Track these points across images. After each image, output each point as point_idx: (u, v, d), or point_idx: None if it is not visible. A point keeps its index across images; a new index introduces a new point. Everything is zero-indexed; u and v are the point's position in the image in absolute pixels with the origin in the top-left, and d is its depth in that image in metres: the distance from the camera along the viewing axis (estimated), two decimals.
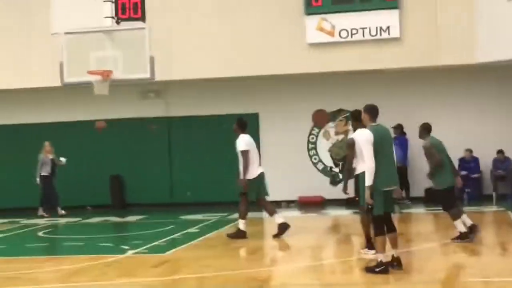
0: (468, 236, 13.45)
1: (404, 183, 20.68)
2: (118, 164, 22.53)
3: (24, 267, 12.57)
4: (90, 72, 17.67)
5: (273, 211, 15.26)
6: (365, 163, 10.76)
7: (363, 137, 10.88)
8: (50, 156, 21.23)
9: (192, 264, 12.27)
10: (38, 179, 21.10)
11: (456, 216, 13.61)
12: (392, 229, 10.91)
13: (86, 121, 22.55)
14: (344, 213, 19.70)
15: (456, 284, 9.84)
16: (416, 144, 20.75)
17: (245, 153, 14.84)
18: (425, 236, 14.92)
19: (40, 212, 21.00)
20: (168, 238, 15.62)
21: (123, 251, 13.90)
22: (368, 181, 10.71)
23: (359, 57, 19.86)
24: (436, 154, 13.80)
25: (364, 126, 11.27)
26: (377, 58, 19.81)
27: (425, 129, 14.21)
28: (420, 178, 21.10)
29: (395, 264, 10.81)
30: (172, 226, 17.62)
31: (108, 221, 19.83)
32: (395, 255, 10.86)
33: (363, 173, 11.07)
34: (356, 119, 12.63)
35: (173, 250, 13.89)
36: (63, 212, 20.97)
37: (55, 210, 21.05)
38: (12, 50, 21.00)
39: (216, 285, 10.61)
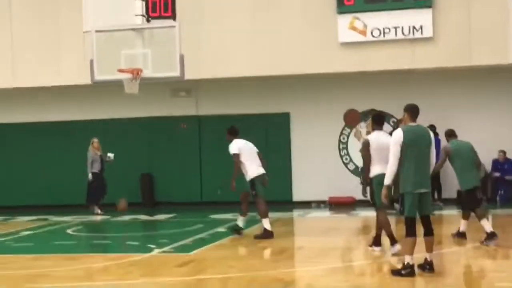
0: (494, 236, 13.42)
1: (437, 185, 20.45)
2: (149, 162, 22.53)
3: (51, 264, 12.57)
4: (120, 70, 17.68)
5: (266, 213, 15.27)
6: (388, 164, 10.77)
7: (393, 137, 10.80)
8: (99, 153, 21.14)
9: (217, 264, 12.18)
10: (90, 176, 20.98)
11: (481, 216, 13.72)
12: (428, 232, 10.75)
13: (117, 119, 22.58)
14: (374, 214, 19.48)
15: None
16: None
17: (235, 156, 15.55)
18: (455, 238, 14.66)
19: (96, 210, 20.88)
20: (196, 237, 15.54)
21: (149, 250, 13.85)
22: (386, 180, 10.76)
23: (391, 57, 19.65)
24: (442, 160, 14.19)
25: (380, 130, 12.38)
26: (409, 57, 19.60)
27: (448, 135, 14.78)
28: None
29: (427, 267, 10.67)
30: (200, 225, 17.56)
31: (137, 219, 19.80)
32: (428, 259, 10.71)
33: (376, 176, 11.81)
34: (375, 122, 13.02)
35: (199, 249, 13.80)
36: (99, 211, 20.88)
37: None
38: (44, 48, 21.06)
39: (240, 285, 10.51)
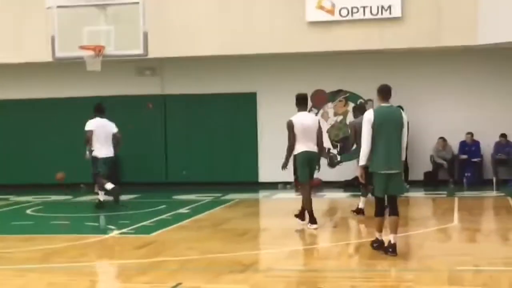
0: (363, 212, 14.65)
1: (405, 166, 20.27)
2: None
3: (6, 245, 12.22)
4: (82, 47, 17.31)
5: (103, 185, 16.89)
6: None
7: (364, 117, 10.83)
8: None
9: (176, 246, 11.88)
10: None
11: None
12: (393, 212, 10.67)
13: (81, 98, 22.14)
14: (341, 196, 19.34)
15: (447, 273, 9.41)
16: (417, 126, 20.40)
17: (86, 132, 17.05)
18: (421, 221, 14.49)
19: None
20: (157, 218, 15.22)
21: (108, 231, 13.53)
22: (361, 161, 10.78)
23: (360, 37, 19.35)
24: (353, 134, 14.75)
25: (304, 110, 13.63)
26: (378, 38, 19.31)
27: (358, 110, 15.08)
28: (420, 162, 20.75)
29: (390, 250, 10.53)
30: (163, 206, 17.24)
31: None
32: (392, 241, 10.58)
33: (299, 154, 13.35)
34: (299, 103, 13.94)
35: (160, 231, 13.49)
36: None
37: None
38: (6, 24, 20.54)
39: (197, 268, 10.22)
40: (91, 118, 17.25)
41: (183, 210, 16.50)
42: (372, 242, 11.00)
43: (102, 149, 17.05)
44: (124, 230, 13.71)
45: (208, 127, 22.02)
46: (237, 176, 21.61)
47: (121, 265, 10.47)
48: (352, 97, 21.33)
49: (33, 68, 21.74)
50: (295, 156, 13.47)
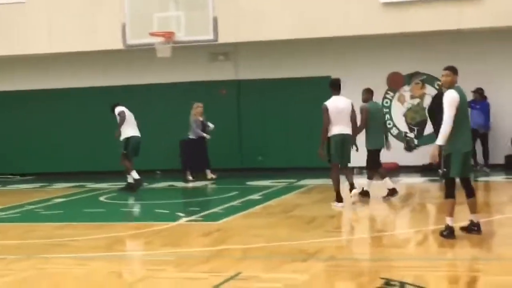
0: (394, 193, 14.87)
1: (485, 150, 19.75)
2: (188, 128, 22.00)
3: (73, 233, 12.24)
4: (152, 34, 17.34)
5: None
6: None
7: (448, 98, 10.56)
8: (200, 118, 20.30)
9: (242, 233, 11.71)
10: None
11: (384, 175, 15.06)
12: (472, 194, 10.76)
13: (156, 84, 22.19)
14: (418, 180, 18.89)
15: None
16: (497, 109, 19.81)
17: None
18: (497, 206, 13.99)
19: (188, 175, 20.20)
20: (228, 205, 15.09)
21: (177, 219, 13.45)
22: (440, 141, 10.51)
23: (437, 17, 18.81)
24: (364, 118, 15.03)
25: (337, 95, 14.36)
26: (456, 17, 18.72)
27: (369, 93, 15.58)
28: (501, 145, 20.13)
29: (475, 228, 10.66)
30: (235, 192, 17.11)
31: (174, 186, 19.43)
32: (475, 220, 10.69)
33: (333, 136, 14.17)
34: (332, 88, 14.56)
35: (228, 218, 13.34)
36: (213, 175, 20.24)
37: (203, 173, 20.39)
38: (79, 12, 20.67)
39: (260, 256, 10.01)
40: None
41: (255, 196, 16.32)
42: (443, 231, 10.62)
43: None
44: (193, 217, 13.62)
45: (283, 111, 21.77)
46: (313, 161, 21.27)
47: (184, 254, 10.34)
48: (429, 79, 20.79)
49: (106, 56, 21.85)
50: (329, 138, 14.15)
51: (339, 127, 14.04)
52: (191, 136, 20.22)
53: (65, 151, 23.05)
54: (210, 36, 16.84)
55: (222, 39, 18.10)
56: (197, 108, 20.19)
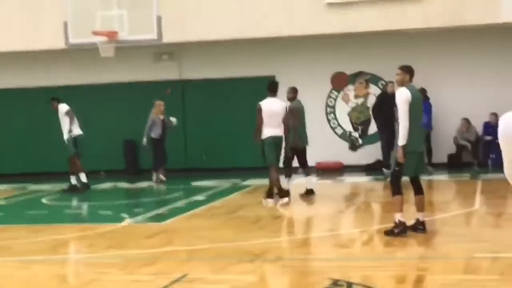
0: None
1: (428, 149, 19.89)
2: (132, 128, 21.78)
3: (15, 236, 12.03)
4: (95, 33, 17.11)
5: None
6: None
7: (400, 97, 10.65)
8: (161, 117, 19.76)
9: (187, 235, 11.63)
10: (145, 140, 19.54)
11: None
12: (420, 192, 10.84)
13: (98, 85, 21.91)
14: (363, 180, 18.98)
15: (462, 261, 9.06)
16: (440, 109, 20.00)
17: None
18: (441, 205, 14.11)
19: (156, 176, 19.59)
20: (172, 206, 14.98)
21: (121, 220, 13.29)
22: (401, 141, 10.50)
23: (380, 17, 18.91)
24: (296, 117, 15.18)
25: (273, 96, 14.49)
26: (399, 18, 18.84)
27: (296, 92, 15.86)
28: (444, 144, 20.32)
29: (421, 227, 10.66)
30: (179, 193, 16.99)
31: (117, 187, 19.22)
32: (420, 219, 10.70)
33: (266, 138, 14.27)
34: (269, 89, 14.81)
35: (172, 219, 13.23)
36: (163, 178, 19.55)
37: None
38: (20, 8, 20.28)
39: (206, 258, 9.93)
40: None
41: (200, 197, 16.24)
42: (393, 228, 10.55)
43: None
44: (137, 219, 13.47)
45: (228, 111, 21.69)
46: (258, 161, 21.23)
47: (129, 256, 10.22)
48: (373, 79, 20.91)
49: (48, 56, 21.50)
50: (262, 140, 14.28)
51: (271, 130, 14.27)
52: (154, 136, 19.80)
53: (6, 152, 22.61)
54: (153, 36, 16.71)
55: (166, 39, 17.98)
56: (159, 107, 19.84)
